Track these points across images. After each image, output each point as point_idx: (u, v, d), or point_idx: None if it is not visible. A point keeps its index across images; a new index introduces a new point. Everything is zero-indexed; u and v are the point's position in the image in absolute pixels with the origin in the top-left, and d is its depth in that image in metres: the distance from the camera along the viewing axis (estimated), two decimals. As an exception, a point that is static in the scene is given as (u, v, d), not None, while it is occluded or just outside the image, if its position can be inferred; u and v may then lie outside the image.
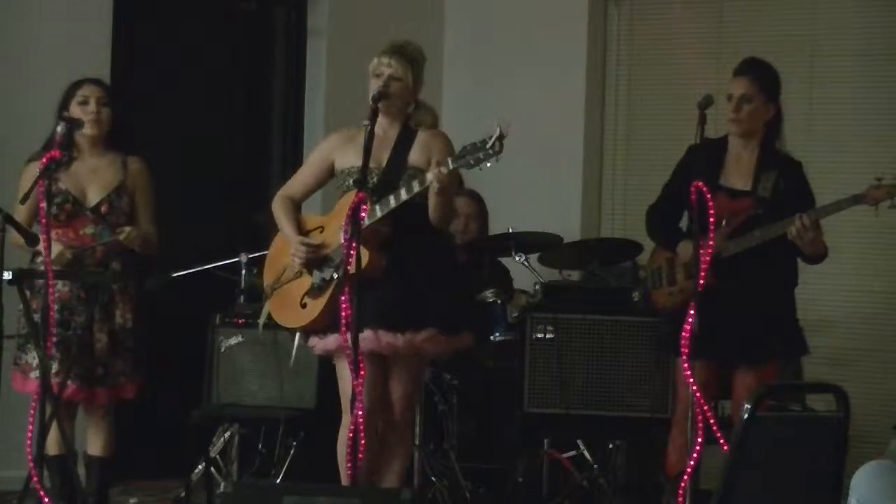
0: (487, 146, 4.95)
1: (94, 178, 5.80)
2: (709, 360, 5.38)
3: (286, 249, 5.41)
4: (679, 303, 5.60)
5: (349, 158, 5.32)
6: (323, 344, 5.31)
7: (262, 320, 5.57)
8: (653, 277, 5.75)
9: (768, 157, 5.56)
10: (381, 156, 5.27)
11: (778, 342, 5.50)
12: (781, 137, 5.64)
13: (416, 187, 5.12)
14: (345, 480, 5.21)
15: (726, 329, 5.30)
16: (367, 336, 5.09)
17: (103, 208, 5.77)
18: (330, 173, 5.45)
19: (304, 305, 5.32)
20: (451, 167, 5.04)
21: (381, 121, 5.22)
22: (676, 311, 5.58)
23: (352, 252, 4.74)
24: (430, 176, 5.08)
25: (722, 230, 5.45)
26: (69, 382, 5.60)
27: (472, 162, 4.99)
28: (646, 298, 5.93)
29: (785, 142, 5.65)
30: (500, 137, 4.92)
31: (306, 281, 5.33)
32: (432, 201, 5.19)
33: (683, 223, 5.72)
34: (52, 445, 5.66)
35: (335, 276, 5.19)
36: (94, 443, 5.85)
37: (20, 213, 5.57)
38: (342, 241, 4.94)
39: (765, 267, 5.45)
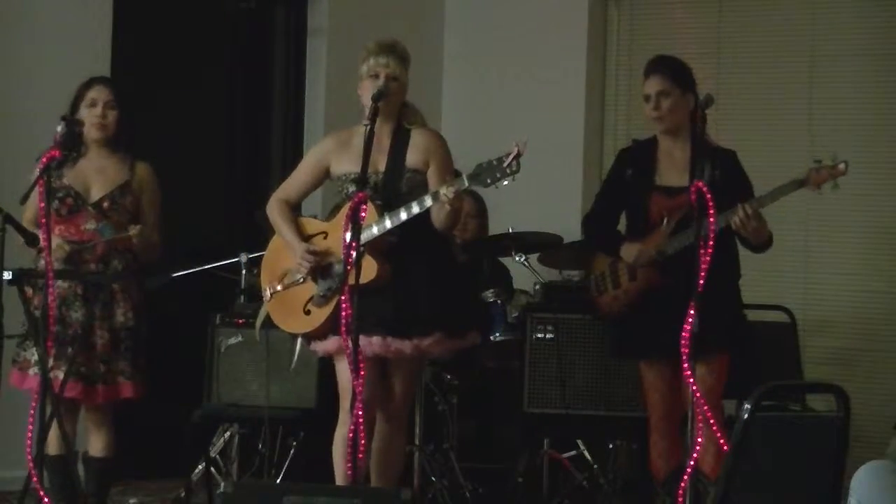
0: (504, 165, 4.86)
1: (99, 175, 5.80)
2: (664, 359, 5.37)
3: (285, 252, 5.39)
4: (625, 305, 5.59)
5: (345, 165, 5.30)
6: (323, 346, 5.33)
7: (259, 322, 5.56)
8: (597, 284, 5.69)
9: (700, 150, 5.42)
10: (378, 160, 5.24)
11: (720, 335, 5.35)
12: (706, 127, 5.41)
13: (427, 201, 5.08)
14: (340, 479, 5.23)
15: (671, 326, 5.17)
16: (375, 342, 5.10)
17: (105, 204, 5.76)
18: (325, 176, 5.43)
19: (307, 312, 5.30)
20: (466, 186, 4.98)
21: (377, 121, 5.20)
22: (624, 314, 5.60)
23: (352, 252, 4.73)
24: (443, 192, 5.01)
25: (664, 229, 5.45)
26: (70, 380, 5.60)
27: (488, 181, 4.91)
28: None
29: (713, 134, 5.57)
30: (518, 156, 4.84)
31: (310, 287, 5.32)
32: (440, 212, 5.14)
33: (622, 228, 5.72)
34: (53, 445, 5.66)
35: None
36: (93, 443, 5.85)
37: (28, 211, 5.57)
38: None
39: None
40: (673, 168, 5.55)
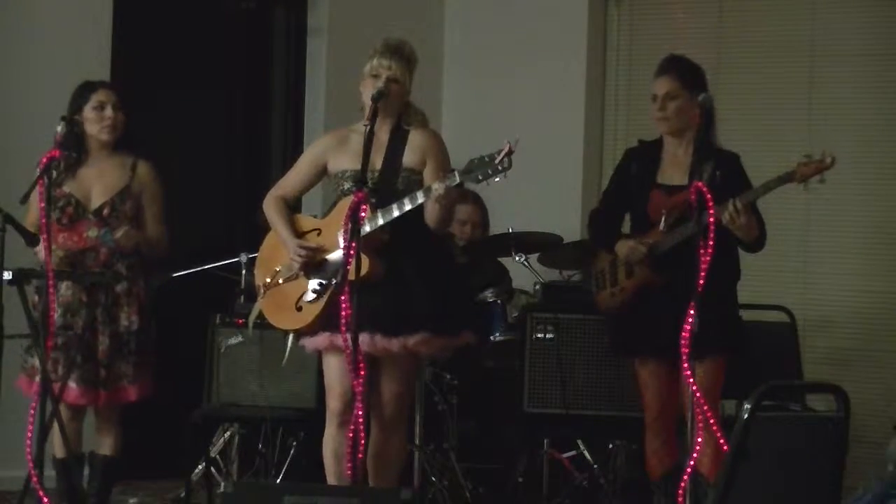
0: (496, 161, 4.89)
1: (99, 181, 5.80)
2: (658, 358, 5.40)
3: (279, 249, 5.39)
4: (621, 302, 5.61)
5: (342, 162, 5.30)
6: (313, 342, 5.30)
7: (251, 319, 5.55)
8: (596, 281, 5.72)
9: (703, 151, 5.39)
10: (375, 158, 5.22)
11: (716, 336, 5.29)
12: (714, 131, 5.49)
13: (420, 198, 5.08)
14: (331, 478, 5.22)
15: (666, 324, 5.17)
16: (363, 339, 5.08)
17: (105, 211, 5.77)
18: (322, 174, 5.43)
19: (299, 308, 5.29)
20: (457, 181, 4.99)
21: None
22: (620, 312, 5.63)
23: (351, 253, 4.73)
24: (435, 187, 5.03)
25: (660, 227, 5.44)
26: (74, 386, 5.61)
27: (479, 177, 4.93)
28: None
29: (718, 136, 5.54)
30: (509, 153, 4.86)
31: (302, 283, 5.31)
32: (432, 208, 5.15)
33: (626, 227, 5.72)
34: (58, 448, 5.67)
35: (334, 280, 5.15)
36: (101, 442, 5.85)
37: (31, 214, 5.58)
38: (341, 244, 4.91)
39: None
40: (675, 167, 5.55)
